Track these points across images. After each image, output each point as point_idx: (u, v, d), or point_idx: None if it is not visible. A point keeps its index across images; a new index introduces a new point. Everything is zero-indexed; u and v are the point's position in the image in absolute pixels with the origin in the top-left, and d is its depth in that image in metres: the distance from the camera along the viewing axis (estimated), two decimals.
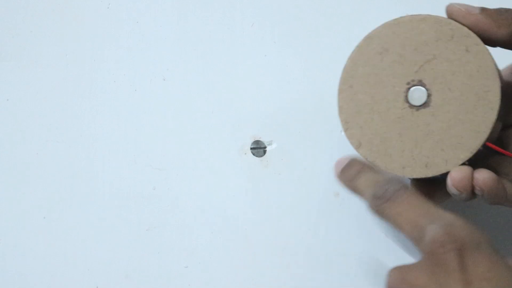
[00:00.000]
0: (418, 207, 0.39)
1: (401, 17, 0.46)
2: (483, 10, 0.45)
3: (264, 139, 0.55)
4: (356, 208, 0.53)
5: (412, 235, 0.39)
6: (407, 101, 0.46)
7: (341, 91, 0.48)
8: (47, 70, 0.57)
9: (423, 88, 0.46)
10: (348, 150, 0.47)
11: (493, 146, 0.45)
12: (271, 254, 0.51)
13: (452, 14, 0.45)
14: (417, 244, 0.38)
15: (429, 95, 0.46)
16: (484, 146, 0.45)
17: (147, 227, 0.52)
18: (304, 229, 0.52)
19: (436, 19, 0.45)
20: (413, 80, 0.46)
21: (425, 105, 0.46)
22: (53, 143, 0.54)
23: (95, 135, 0.55)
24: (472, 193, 0.44)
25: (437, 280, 0.37)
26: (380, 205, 0.41)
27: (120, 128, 0.55)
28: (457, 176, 0.44)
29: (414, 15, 0.45)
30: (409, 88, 0.46)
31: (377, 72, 0.47)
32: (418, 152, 0.47)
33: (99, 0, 0.60)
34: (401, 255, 0.52)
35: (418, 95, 0.46)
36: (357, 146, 0.48)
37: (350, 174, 0.44)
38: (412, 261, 0.40)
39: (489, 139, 0.45)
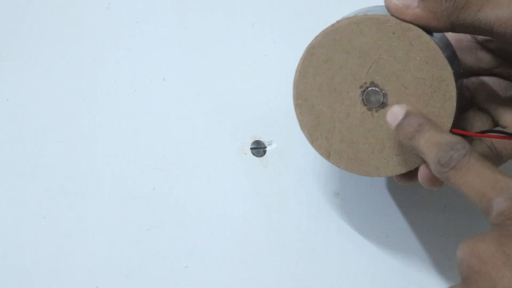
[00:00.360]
0: (485, 177, 0.39)
1: (337, 22, 0.45)
2: (422, 1, 0.43)
3: (264, 139, 0.55)
4: (356, 208, 0.53)
5: (480, 207, 0.38)
6: (365, 104, 0.46)
7: (297, 105, 0.47)
8: (47, 70, 0.57)
9: (377, 89, 0.45)
10: None
11: (460, 131, 0.45)
12: (271, 254, 0.51)
13: (390, 10, 0.44)
14: (485, 215, 0.38)
15: (384, 95, 0.45)
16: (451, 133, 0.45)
17: (147, 227, 0.52)
18: (304, 229, 0.52)
19: (373, 19, 0.44)
20: (365, 83, 0.46)
21: (383, 105, 0.46)
22: (53, 143, 0.54)
23: (95, 135, 0.55)
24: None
25: (504, 251, 0.36)
26: (445, 172, 0.40)
27: (120, 128, 0.55)
28: (425, 173, 0.45)
29: (351, 17, 0.44)
30: (363, 92, 0.46)
31: (327, 81, 0.46)
32: (387, 152, 0.47)
33: (99, 0, 0.60)
34: (402, 255, 0.52)
35: (373, 97, 0.46)
36: (327, 156, 0.48)
37: (409, 131, 0.43)
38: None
39: (453, 125, 0.45)
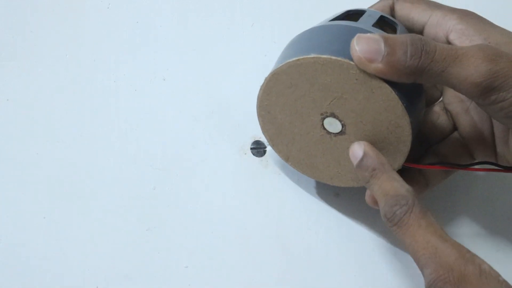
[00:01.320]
0: (419, 240, 0.40)
1: (303, 58, 0.44)
2: (389, 54, 0.41)
3: (264, 139, 0.55)
4: (356, 208, 0.53)
5: (419, 268, 0.40)
6: (324, 129, 0.47)
7: (260, 115, 0.49)
8: (47, 70, 0.57)
9: (337, 120, 0.46)
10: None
11: (411, 164, 0.47)
12: (271, 254, 0.51)
13: (353, 60, 0.42)
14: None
15: (343, 125, 0.46)
16: (403, 167, 0.47)
17: (147, 227, 0.52)
18: (304, 229, 0.52)
19: (338, 64, 0.43)
20: (326, 112, 0.46)
21: (341, 132, 0.47)
22: (53, 143, 0.54)
23: (95, 135, 0.55)
24: None
25: None
26: (390, 227, 0.42)
27: (120, 128, 0.55)
28: (370, 198, 0.47)
29: (316, 57, 0.44)
30: (323, 118, 0.47)
31: (290, 102, 0.47)
32: (342, 168, 0.49)
33: (99, 0, 0.60)
34: (401, 256, 0.52)
35: (333, 125, 0.47)
36: (286, 159, 0.51)
37: (365, 176, 0.44)
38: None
39: (406, 160, 0.47)
